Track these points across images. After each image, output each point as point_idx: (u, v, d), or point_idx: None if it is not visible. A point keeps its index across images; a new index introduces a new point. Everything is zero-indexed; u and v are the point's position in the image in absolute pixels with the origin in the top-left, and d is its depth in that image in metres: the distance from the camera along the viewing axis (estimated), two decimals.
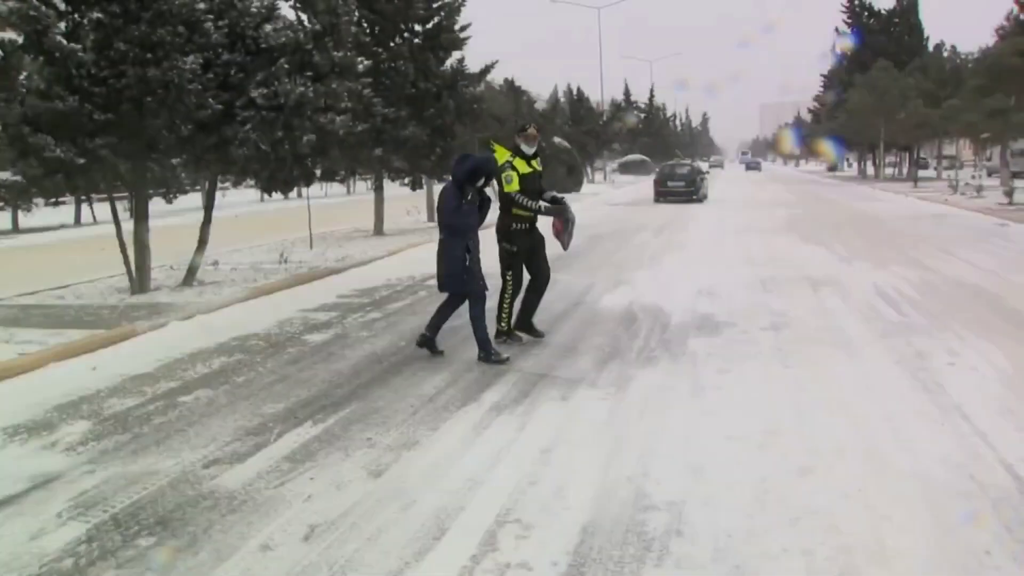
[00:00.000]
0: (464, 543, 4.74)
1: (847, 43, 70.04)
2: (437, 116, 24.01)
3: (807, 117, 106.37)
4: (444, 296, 9.39)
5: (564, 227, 9.84)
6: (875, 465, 5.70)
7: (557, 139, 47.98)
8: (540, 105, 58.97)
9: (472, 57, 26.18)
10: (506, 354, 9.01)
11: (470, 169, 8.92)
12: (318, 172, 16.05)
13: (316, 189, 22.06)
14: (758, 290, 13.04)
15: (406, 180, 25.82)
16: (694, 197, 39.22)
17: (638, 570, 4.39)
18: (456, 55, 25.52)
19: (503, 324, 9.73)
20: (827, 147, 57.76)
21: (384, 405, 7.47)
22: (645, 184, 59.56)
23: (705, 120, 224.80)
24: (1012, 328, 9.91)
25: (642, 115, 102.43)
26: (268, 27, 13.42)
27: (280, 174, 14.20)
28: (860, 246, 18.94)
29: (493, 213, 9.49)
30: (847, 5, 71.15)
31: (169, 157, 14.12)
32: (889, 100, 53.31)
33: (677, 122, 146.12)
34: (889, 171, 70.85)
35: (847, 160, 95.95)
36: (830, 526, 4.81)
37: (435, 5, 24.66)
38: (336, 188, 55.78)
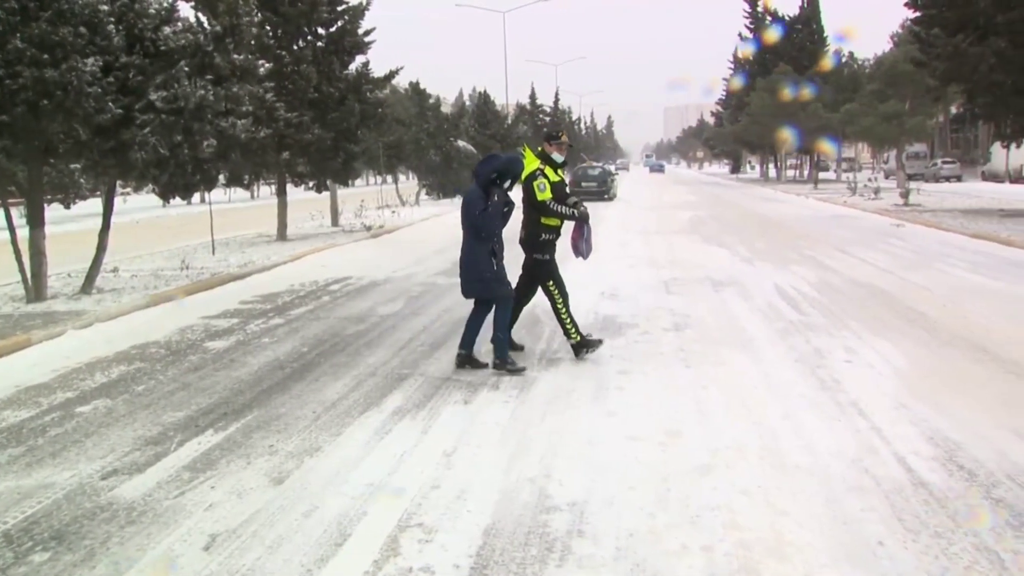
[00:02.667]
0: (366, 549, 4.72)
1: (748, 49, 71.43)
2: (341, 120, 23.86)
3: (710, 120, 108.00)
4: (460, 303, 8.93)
5: (582, 234, 9.45)
6: (774, 462, 5.82)
7: (461, 143, 48.06)
8: (446, 108, 58.89)
9: (377, 60, 26.10)
10: (522, 364, 8.61)
11: (496, 170, 8.49)
12: (221, 177, 15.81)
13: (219, 194, 21.80)
14: (661, 291, 13.20)
15: (310, 184, 25.61)
16: (605, 196, 43.05)
17: (540, 571, 4.42)
18: (360, 59, 25.46)
19: (574, 336, 8.95)
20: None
21: (286, 412, 7.41)
22: None
23: (610, 123, 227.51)
24: (907, 326, 10.18)
25: (547, 118, 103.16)
26: (167, 29, 13.19)
27: (180, 179, 13.94)
28: (761, 247, 19.29)
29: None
30: (750, 11, 72.47)
31: (67, 162, 13.79)
32: (790, 104, 54.39)
33: (582, 125, 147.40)
34: (791, 173, 72.36)
35: (749, 163, 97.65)
36: (730, 522, 4.89)
37: (339, 9, 24.51)
38: (240, 193, 55.17)
